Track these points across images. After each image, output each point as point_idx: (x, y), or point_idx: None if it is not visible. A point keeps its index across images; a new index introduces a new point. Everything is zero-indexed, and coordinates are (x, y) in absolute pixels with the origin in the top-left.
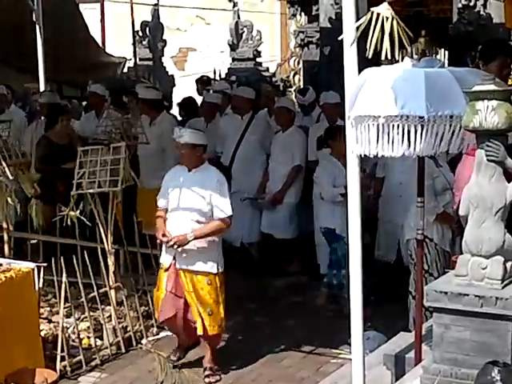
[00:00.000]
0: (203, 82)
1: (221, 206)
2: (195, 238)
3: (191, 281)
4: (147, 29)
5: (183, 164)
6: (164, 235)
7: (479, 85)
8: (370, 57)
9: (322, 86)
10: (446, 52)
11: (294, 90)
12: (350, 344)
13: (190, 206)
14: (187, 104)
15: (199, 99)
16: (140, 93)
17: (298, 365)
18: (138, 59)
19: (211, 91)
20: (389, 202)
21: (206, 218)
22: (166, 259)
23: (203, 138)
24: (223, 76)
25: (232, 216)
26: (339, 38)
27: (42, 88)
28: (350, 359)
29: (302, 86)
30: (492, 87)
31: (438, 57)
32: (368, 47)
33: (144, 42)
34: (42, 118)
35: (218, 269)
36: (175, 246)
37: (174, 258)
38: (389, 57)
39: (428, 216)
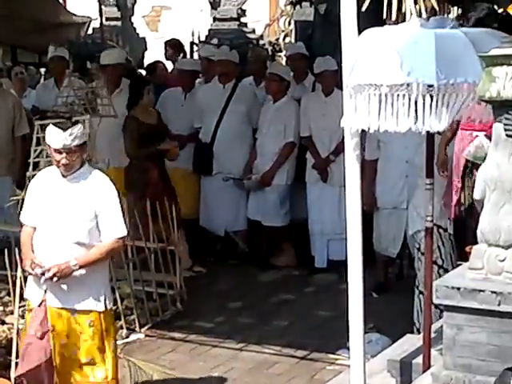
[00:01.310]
0: (174, 46)
1: (112, 222)
2: (80, 267)
3: (67, 322)
4: None
5: (59, 167)
6: (35, 265)
7: (497, 48)
8: (391, 17)
9: (316, 50)
10: (460, 10)
11: (285, 55)
12: (348, 348)
13: (69, 224)
14: (153, 70)
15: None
16: (102, 57)
17: (289, 372)
18: (104, 19)
19: (197, 56)
20: (390, 187)
21: (89, 239)
22: (34, 296)
23: (83, 136)
24: (203, 39)
25: (125, 237)
26: None
27: None
28: (349, 365)
29: None
30: None
31: (451, 16)
32: (386, 4)
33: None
34: None
35: (105, 305)
36: (54, 279)
37: (45, 293)
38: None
39: (440, 201)
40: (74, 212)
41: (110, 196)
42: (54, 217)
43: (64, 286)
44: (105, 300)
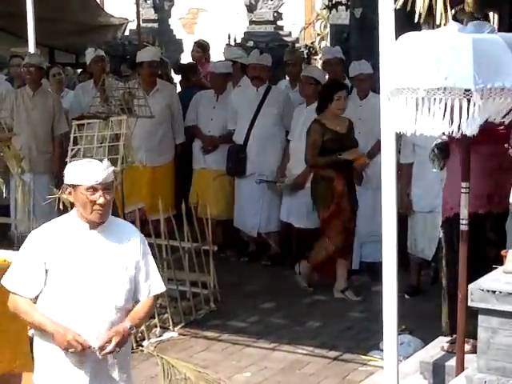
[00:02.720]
0: (200, 47)
1: (152, 279)
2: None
3: None
4: None
5: (92, 213)
6: (81, 342)
7: None
8: (421, 21)
9: (352, 53)
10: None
11: (321, 59)
12: (381, 349)
13: (108, 288)
14: (187, 70)
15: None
16: (138, 55)
17: (321, 372)
18: (141, 21)
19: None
20: (425, 191)
21: (129, 301)
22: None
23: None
24: (239, 41)
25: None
26: None
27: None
28: (382, 367)
29: None
30: None
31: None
32: (418, 8)
33: (148, 1)
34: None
35: None
36: (117, 350)
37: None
38: (440, 20)
39: None
40: (113, 272)
41: (146, 249)
42: (89, 280)
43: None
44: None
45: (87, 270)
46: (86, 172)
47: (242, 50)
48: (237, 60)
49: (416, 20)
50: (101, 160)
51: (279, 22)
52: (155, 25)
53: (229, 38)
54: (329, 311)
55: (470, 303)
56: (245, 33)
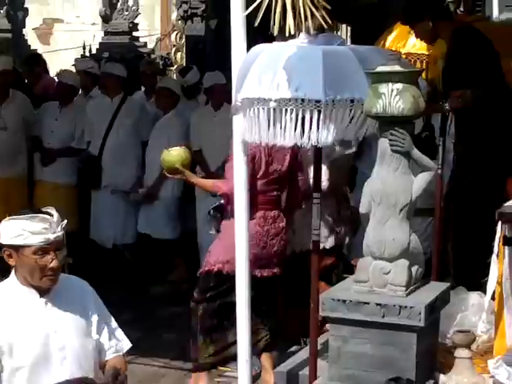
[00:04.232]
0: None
1: (117, 333)
2: None
3: None
4: None
5: (42, 279)
6: None
7: (383, 65)
8: (275, 33)
9: (208, 64)
10: (349, 28)
11: (176, 69)
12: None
13: (72, 362)
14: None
15: None
16: None
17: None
18: None
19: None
20: None
21: (98, 372)
22: None
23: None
24: (94, 52)
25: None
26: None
27: None
28: (237, 377)
29: (184, 65)
30: (397, 68)
31: (340, 33)
32: (272, 20)
33: (1, 11)
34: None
35: None
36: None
37: None
38: (292, 32)
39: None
40: (78, 346)
41: (98, 301)
42: (52, 362)
43: None
44: None
45: (48, 350)
46: (32, 230)
47: (94, 60)
48: (89, 71)
49: (270, 32)
50: (49, 213)
51: (135, 33)
52: (8, 35)
53: (84, 48)
54: (186, 323)
55: (321, 313)
56: (100, 44)
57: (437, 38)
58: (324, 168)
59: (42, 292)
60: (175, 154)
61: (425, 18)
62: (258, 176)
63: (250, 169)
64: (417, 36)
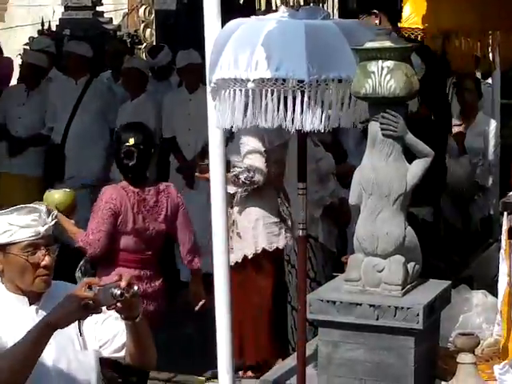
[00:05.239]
0: None
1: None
2: None
3: None
4: None
5: (34, 281)
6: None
7: (372, 41)
8: (262, 8)
9: (180, 42)
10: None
11: (145, 48)
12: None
13: (67, 361)
14: None
15: None
16: None
17: None
18: None
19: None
20: None
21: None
22: None
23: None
24: (54, 29)
25: None
26: None
27: None
28: None
29: (154, 43)
30: (387, 44)
31: (326, 7)
32: None
33: None
34: None
35: None
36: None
37: None
38: (278, 4)
39: (312, 209)
40: (77, 359)
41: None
42: (40, 372)
43: None
44: None
45: (41, 364)
46: (20, 223)
47: (51, 38)
48: (46, 49)
49: (242, 2)
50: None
51: (99, 8)
52: None
53: (42, 25)
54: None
55: (308, 315)
56: (60, 20)
57: None
58: (260, 161)
59: (32, 299)
60: (56, 197)
61: (372, 13)
62: (125, 231)
63: (111, 224)
64: None
